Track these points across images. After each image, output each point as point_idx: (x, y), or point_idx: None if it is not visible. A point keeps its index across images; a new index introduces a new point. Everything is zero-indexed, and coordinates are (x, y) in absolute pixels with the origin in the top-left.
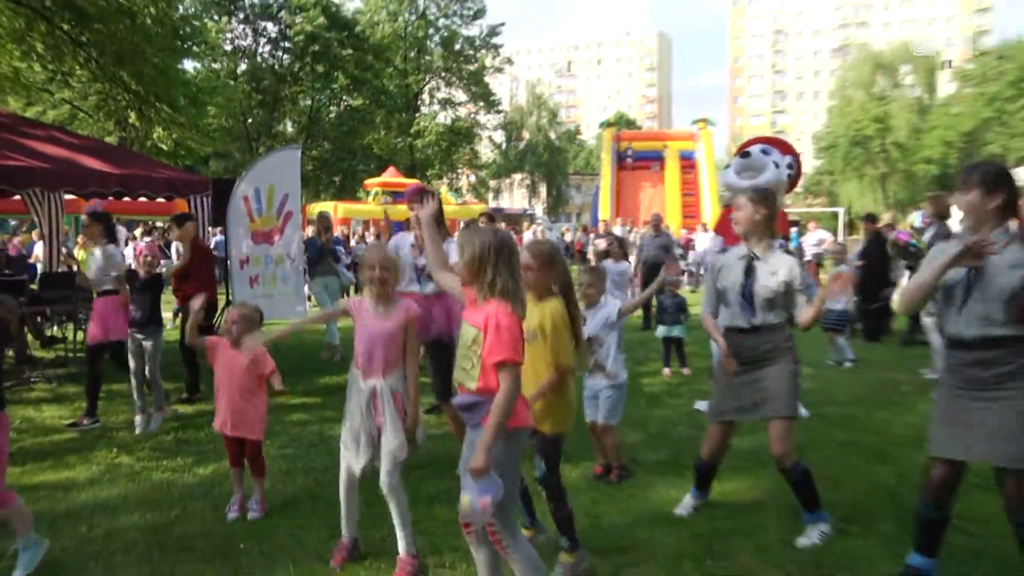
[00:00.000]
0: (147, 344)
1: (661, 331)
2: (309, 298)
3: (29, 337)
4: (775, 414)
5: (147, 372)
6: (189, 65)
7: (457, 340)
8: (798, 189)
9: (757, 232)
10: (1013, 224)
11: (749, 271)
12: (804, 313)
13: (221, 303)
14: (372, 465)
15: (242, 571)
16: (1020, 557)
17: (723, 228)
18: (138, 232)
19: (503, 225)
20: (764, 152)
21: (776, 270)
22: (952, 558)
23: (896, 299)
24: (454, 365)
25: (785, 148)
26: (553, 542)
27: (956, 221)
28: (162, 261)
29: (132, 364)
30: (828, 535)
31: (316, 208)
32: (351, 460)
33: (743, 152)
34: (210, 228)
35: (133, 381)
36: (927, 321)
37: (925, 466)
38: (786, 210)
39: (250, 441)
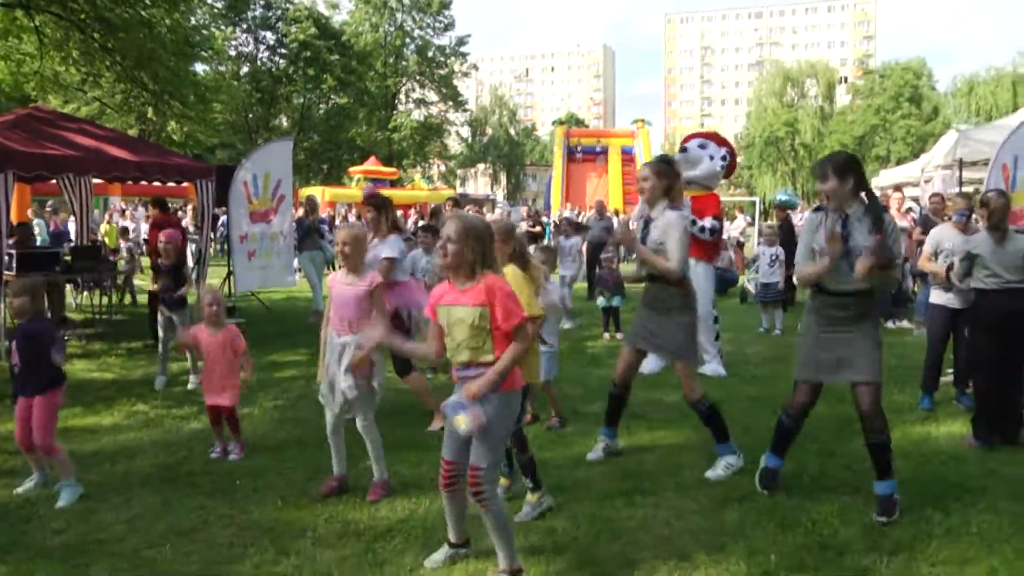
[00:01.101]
0: (175, 319)
1: (601, 301)
2: (298, 269)
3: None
4: (675, 359)
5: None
6: (199, 68)
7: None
8: (722, 181)
9: (656, 199)
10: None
11: (644, 228)
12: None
13: (222, 273)
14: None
15: (238, 504)
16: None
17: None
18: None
19: (469, 208)
20: (701, 147)
21: (660, 228)
22: (836, 491)
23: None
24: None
25: (720, 141)
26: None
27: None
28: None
29: (161, 334)
30: (734, 467)
31: (306, 192)
32: (328, 405)
33: (681, 147)
34: (216, 209)
35: (160, 348)
36: None
37: (791, 392)
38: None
39: (225, 407)
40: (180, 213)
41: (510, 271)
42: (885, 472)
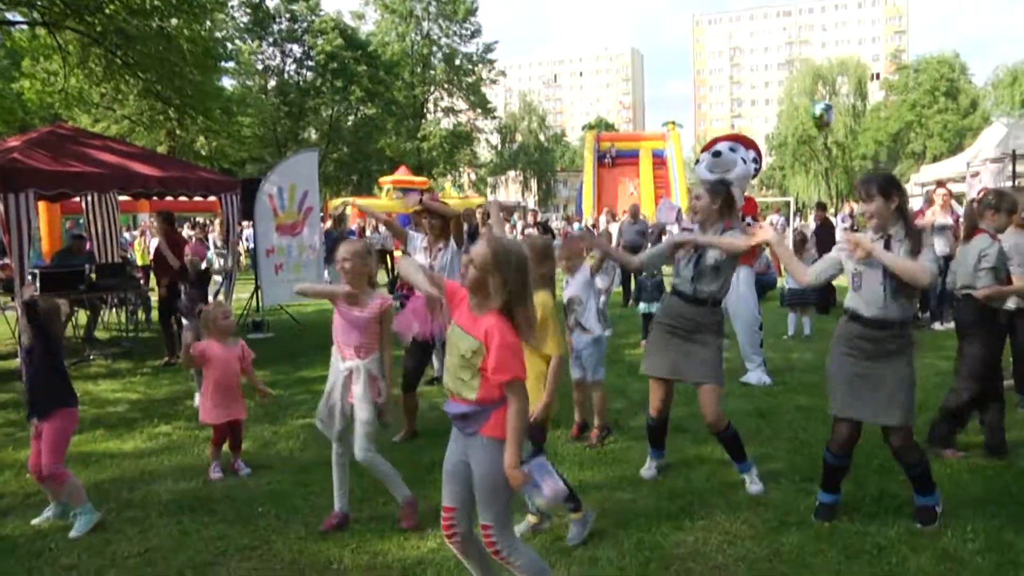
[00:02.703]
0: (190, 332)
1: (641, 307)
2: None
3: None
4: (703, 381)
5: None
6: (227, 82)
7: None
8: (754, 182)
9: (712, 219)
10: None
11: (698, 248)
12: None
13: (249, 287)
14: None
15: (259, 533)
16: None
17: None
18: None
19: (503, 214)
20: (732, 150)
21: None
22: (901, 512)
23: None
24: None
25: (747, 143)
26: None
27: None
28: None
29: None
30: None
31: (335, 204)
32: (326, 431)
33: (714, 151)
34: (243, 223)
35: (189, 370)
36: None
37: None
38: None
39: (237, 421)
40: (208, 228)
41: (542, 298)
42: (926, 489)
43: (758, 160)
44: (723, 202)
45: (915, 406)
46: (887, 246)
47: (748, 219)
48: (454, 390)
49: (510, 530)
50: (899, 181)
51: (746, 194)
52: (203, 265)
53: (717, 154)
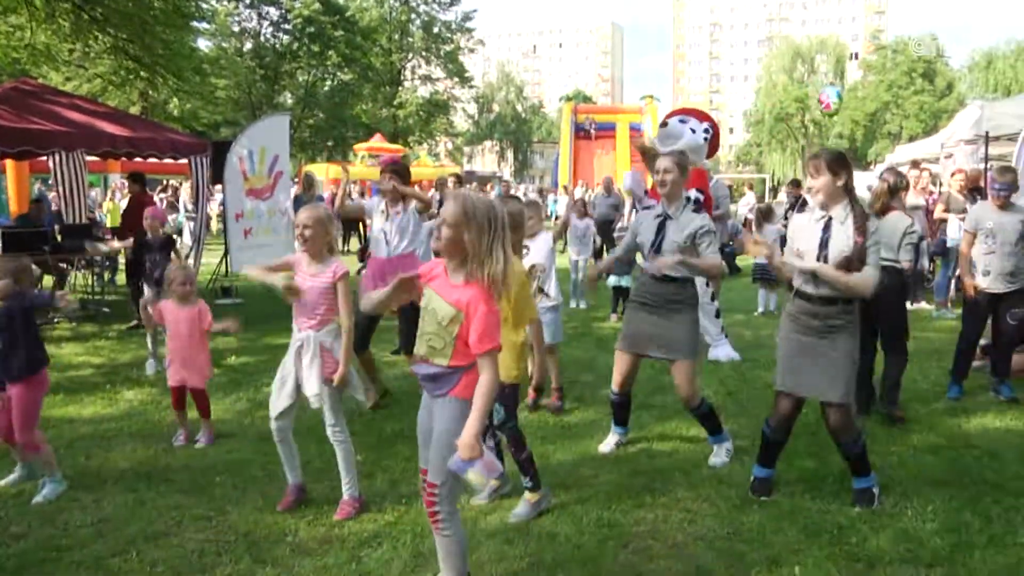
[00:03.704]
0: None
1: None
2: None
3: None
4: (677, 357)
5: None
6: (202, 44)
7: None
8: (730, 158)
9: (676, 194)
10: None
11: (660, 228)
12: (707, 259)
13: (220, 252)
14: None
15: (215, 503)
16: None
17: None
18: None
19: (473, 185)
20: (681, 121)
21: (684, 227)
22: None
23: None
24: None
25: (702, 116)
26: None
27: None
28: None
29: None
30: (731, 451)
31: (309, 169)
32: (272, 402)
33: (662, 123)
34: (214, 187)
35: (148, 332)
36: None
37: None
38: (720, 176)
39: (193, 388)
40: (179, 190)
41: (518, 266)
42: (862, 470)
43: (711, 131)
44: (682, 175)
45: (852, 388)
46: (826, 228)
47: (695, 192)
48: (425, 355)
49: (455, 498)
50: (847, 159)
51: (698, 167)
52: (165, 229)
53: (664, 125)
